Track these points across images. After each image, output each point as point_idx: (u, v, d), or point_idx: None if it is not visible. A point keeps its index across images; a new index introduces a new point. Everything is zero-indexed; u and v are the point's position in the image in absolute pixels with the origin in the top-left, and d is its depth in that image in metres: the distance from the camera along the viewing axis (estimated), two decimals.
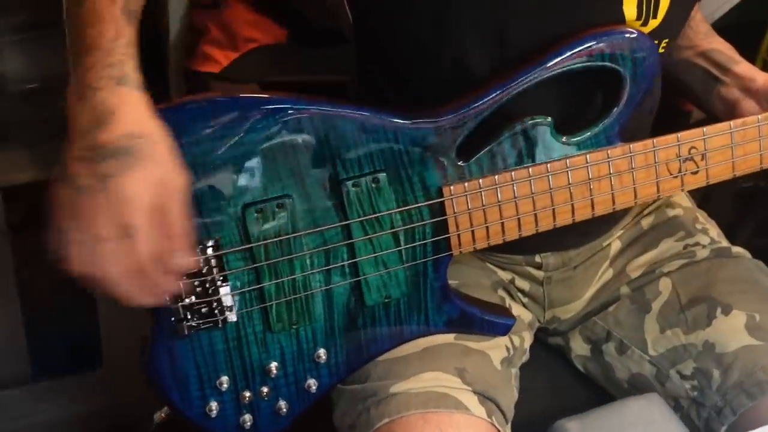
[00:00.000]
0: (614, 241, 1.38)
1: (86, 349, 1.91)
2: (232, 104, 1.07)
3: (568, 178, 1.16)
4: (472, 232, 1.16)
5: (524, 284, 1.36)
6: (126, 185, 0.94)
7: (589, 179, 1.17)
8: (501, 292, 1.34)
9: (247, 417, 1.18)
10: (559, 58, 1.13)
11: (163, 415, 1.25)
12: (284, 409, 1.18)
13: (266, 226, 1.09)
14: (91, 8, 1.02)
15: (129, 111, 0.98)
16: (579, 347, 1.39)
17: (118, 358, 1.85)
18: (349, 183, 1.11)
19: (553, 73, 1.13)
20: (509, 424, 1.24)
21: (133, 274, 0.95)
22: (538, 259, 1.33)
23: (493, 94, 1.12)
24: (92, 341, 1.86)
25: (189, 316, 1.11)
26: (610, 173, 1.17)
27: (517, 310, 1.34)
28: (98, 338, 1.84)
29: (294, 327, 1.15)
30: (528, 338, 1.35)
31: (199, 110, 1.06)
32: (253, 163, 1.08)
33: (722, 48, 1.37)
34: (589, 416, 1.10)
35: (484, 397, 1.19)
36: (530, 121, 1.14)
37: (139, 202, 0.94)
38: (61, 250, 0.96)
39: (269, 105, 1.08)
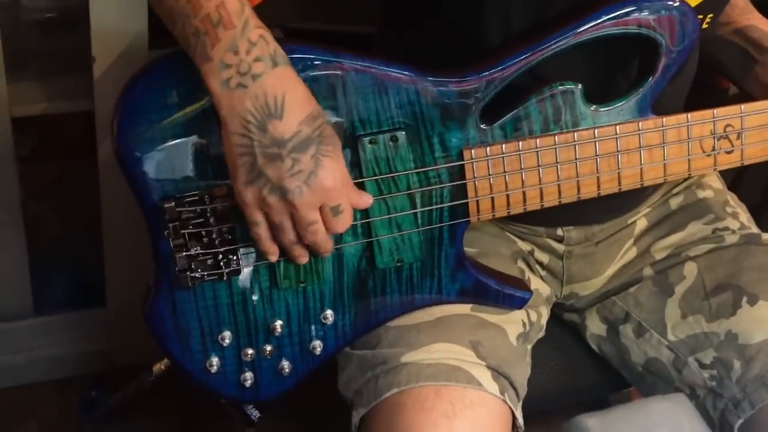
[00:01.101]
0: (640, 219, 1.34)
1: (90, 287, 1.90)
2: None
3: (596, 148, 1.12)
4: (492, 199, 1.12)
5: (543, 257, 1.33)
6: (327, 178, 1.00)
7: (618, 151, 1.13)
8: (520, 263, 1.30)
9: (249, 375, 1.15)
10: (595, 23, 1.09)
11: (162, 367, 1.24)
12: (287, 370, 1.16)
13: None
14: None
15: (296, 94, 0.99)
16: (595, 326, 1.35)
17: (122, 300, 1.84)
18: (366, 139, 1.08)
19: (588, 37, 1.09)
20: (521, 402, 1.20)
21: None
22: (560, 232, 1.30)
23: (523, 56, 1.09)
24: (97, 280, 1.85)
25: (193, 267, 1.09)
26: (640, 146, 1.13)
27: (535, 283, 1.31)
28: (103, 278, 1.82)
29: (301, 285, 1.12)
30: (545, 314, 1.32)
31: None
32: None
33: (760, 24, 1.32)
34: (610, 414, 1.06)
35: (498, 373, 1.16)
36: (559, 87, 1.11)
37: (342, 185, 1.02)
38: (263, 246, 1.06)
39: (293, 54, 1.04)
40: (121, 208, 1.75)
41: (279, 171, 0.99)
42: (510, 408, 1.16)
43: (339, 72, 1.06)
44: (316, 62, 1.06)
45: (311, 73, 1.05)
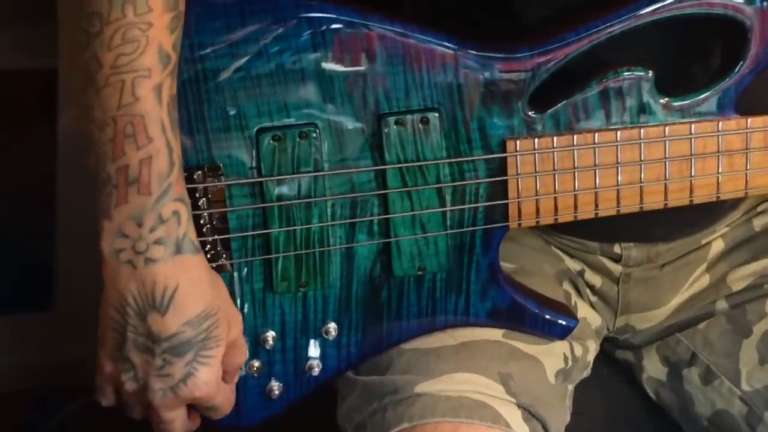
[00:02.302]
0: (716, 241, 1.44)
1: (36, 286, 1.99)
2: (267, 4, 1.15)
3: (665, 149, 1.23)
4: (537, 202, 1.22)
5: (596, 279, 1.42)
6: (198, 389, 1.13)
7: (692, 155, 1.23)
8: (567, 286, 1.41)
9: None
10: None
11: None
12: (276, 392, 1.26)
13: (283, 158, 1.17)
14: (130, 116, 1.07)
15: (192, 290, 1.10)
16: (653, 368, 1.45)
17: (75, 302, 1.92)
18: (392, 119, 1.18)
19: (663, 16, 1.19)
20: None
21: None
22: (617, 249, 1.39)
23: (585, 33, 1.19)
24: (45, 278, 1.95)
25: None
26: (719, 151, 1.24)
27: (583, 310, 1.41)
28: (52, 275, 1.92)
29: (302, 290, 1.22)
30: (593, 349, 1.41)
31: (225, 6, 1.14)
32: (278, 79, 1.16)
33: None
34: None
35: (530, 414, 1.25)
36: (626, 73, 1.21)
37: (215, 390, 1.15)
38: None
39: (310, 12, 1.15)
40: (81, 189, 1.84)
41: (147, 365, 1.12)
42: None
43: (366, 37, 1.17)
44: (339, 24, 1.16)
45: (333, 37, 1.16)
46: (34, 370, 2.01)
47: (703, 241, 1.43)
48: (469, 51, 1.18)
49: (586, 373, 1.41)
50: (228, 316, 1.14)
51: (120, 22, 1.05)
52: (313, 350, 1.26)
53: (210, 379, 1.13)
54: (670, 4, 1.19)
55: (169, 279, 1.08)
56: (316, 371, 1.26)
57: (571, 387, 1.36)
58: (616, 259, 1.40)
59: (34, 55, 1.79)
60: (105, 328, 1.12)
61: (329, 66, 1.16)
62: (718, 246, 1.44)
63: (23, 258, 2.06)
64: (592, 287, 1.43)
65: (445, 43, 1.18)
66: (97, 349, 1.14)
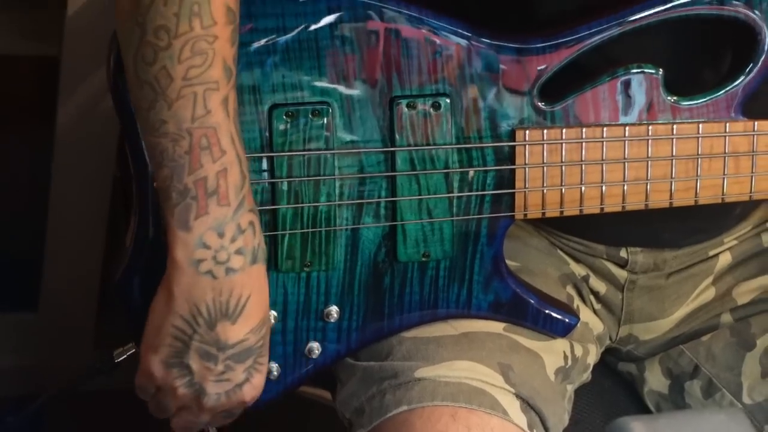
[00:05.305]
0: (723, 253, 1.57)
1: (23, 288, 2.10)
2: None
3: (673, 147, 1.37)
4: (543, 193, 1.36)
5: (600, 285, 1.55)
6: (249, 393, 1.29)
7: (699, 154, 1.37)
8: (570, 290, 1.53)
9: None
10: None
11: (125, 353, 1.48)
12: (274, 373, 1.39)
13: (295, 134, 1.31)
14: (204, 128, 1.19)
15: (260, 298, 1.26)
16: (655, 380, 1.58)
17: (59, 303, 2.04)
18: (404, 102, 1.32)
19: (673, 15, 1.33)
20: None
21: None
22: (623, 253, 1.52)
23: (597, 28, 1.33)
24: (30, 277, 2.05)
25: None
26: (725, 152, 1.38)
27: (585, 315, 1.53)
28: (38, 274, 2.03)
29: (306, 269, 1.35)
30: (593, 353, 1.53)
31: None
32: (294, 56, 1.30)
33: None
34: (657, 420, 1.26)
35: (528, 405, 1.37)
36: (637, 69, 1.35)
37: (257, 396, 1.32)
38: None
39: None
40: (76, 184, 1.97)
41: (206, 371, 1.26)
42: None
43: (381, 19, 1.31)
44: (356, 5, 1.30)
45: (349, 18, 1.30)
46: (15, 373, 2.12)
47: (711, 253, 1.56)
48: (483, 39, 1.32)
49: (586, 376, 1.53)
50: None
51: (188, 35, 1.17)
52: (314, 332, 1.39)
53: (261, 384, 1.30)
54: (682, 4, 1.33)
55: (244, 288, 1.23)
56: (315, 353, 1.39)
57: (570, 389, 1.48)
58: (622, 265, 1.53)
59: (34, 39, 1.90)
60: (164, 336, 1.25)
61: (344, 46, 1.30)
62: (725, 259, 1.57)
63: (6, 256, 2.17)
64: (596, 294, 1.55)
65: (460, 30, 1.32)
66: (144, 349, 1.28)
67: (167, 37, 1.17)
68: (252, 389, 1.29)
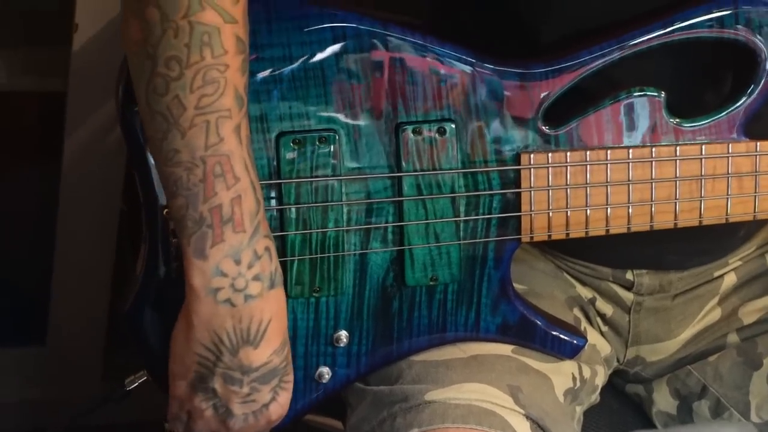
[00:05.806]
0: (728, 274, 1.60)
1: (31, 322, 2.12)
2: (293, 11, 1.33)
3: (676, 169, 1.39)
4: (549, 215, 1.39)
5: (606, 308, 1.58)
6: (276, 412, 1.31)
7: (702, 175, 1.40)
8: (577, 312, 1.56)
9: None
10: (685, 23, 1.37)
11: (136, 380, 1.50)
12: None
13: (302, 161, 1.34)
14: (218, 156, 1.21)
15: (280, 321, 1.28)
16: (664, 401, 1.60)
17: (68, 336, 2.07)
18: (409, 128, 1.35)
19: (674, 39, 1.36)
20: None
21: None
22: (629, 276, 1.55)
23: (599, 52, 1.36)
24: (37, 310, 2.07)
25: None
26: (728, 173, 1.41)
27: (593, 338, 1.56)
28: (45, 307, 2.05)
29: (315, 294, 1.38)
30: (602, 373, 1.56)
31: (252, 12, 1.28)
32: (300, 84, 1.33)
33: None
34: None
35: (538, 426, 1.38)
36: (639, 93, 1.38)
37: (283, 415, 1.34)
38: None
39: (334, 21, 1.33)
40: (83, 219, 1.99)
41: (232, 394, 1.29)
42: None
43: (386, 47, 1.34)
44: (361, 33, 1.34)
45: (354, 46, 1.34)
46: (24, 408, 2.15)
47: (716, 274, 1.59)
48: (487, 65, 1.36)
49: (595, 397, 1.55)
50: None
51: (200, 64, 1.19)
52: (324, 358, 1.41)
53: (287, 402, 1.32)
54: (682, 27, 1.36)
55: (264, 313, 1.25)
56: (325, 378, 1.41)
57: (579, 410, 1.50)
58: (628, 287, 1.56)
59: (42, 75, 1.91)
60: (188, 364, 1.27)
61: (350, 74, 1.33)
62: (730, 279, 1.60)
63: (13, 290, 2.19)
64: (603, 316, 1.58)
65: (463, 56, 1.35)
66: (173, 371, 1.30)
67: (179, 68, 1.19)
68: (279, 408, 1.31)
